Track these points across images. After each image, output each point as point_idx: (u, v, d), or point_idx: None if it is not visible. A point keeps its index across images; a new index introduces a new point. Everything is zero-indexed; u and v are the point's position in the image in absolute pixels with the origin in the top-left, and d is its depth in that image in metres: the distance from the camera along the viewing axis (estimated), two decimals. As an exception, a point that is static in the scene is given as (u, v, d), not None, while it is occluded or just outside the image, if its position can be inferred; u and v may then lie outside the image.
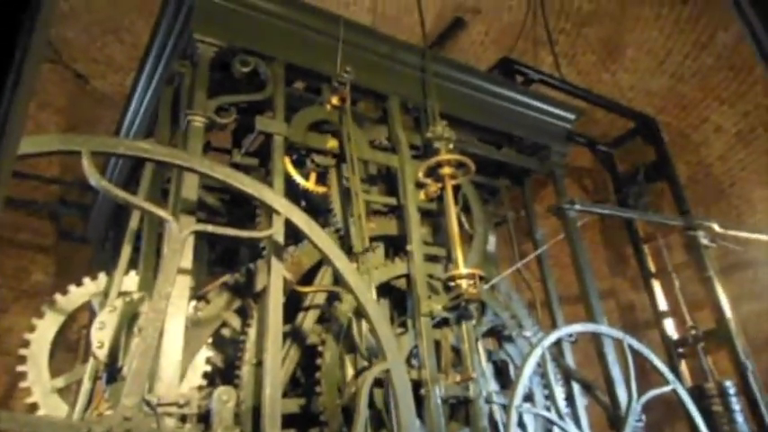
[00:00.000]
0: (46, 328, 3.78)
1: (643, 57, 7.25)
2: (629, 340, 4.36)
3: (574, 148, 6.93)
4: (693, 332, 6.73)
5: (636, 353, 4.34)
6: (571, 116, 5.94)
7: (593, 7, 7.01)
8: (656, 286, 7.44)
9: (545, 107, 5.78)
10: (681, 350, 6.91)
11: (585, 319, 5.02)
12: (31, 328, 3.80)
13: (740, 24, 1.33)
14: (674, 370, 6.32)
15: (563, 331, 4.40)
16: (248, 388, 3.19)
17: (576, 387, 4.76)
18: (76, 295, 3.90)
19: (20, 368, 3.73)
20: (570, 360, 4.89)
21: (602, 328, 4.68)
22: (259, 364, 3.14)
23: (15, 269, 7.17)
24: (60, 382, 3.71)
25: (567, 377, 4.76)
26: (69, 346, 4.05)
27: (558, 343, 4.62)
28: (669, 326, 7.14)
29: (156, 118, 4.45)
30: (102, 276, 3.93)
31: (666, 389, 4.33)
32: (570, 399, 4.66)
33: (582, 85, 7.27)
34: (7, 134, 0.91)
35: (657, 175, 7.54)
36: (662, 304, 7.30)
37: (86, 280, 3.94)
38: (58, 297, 3.86)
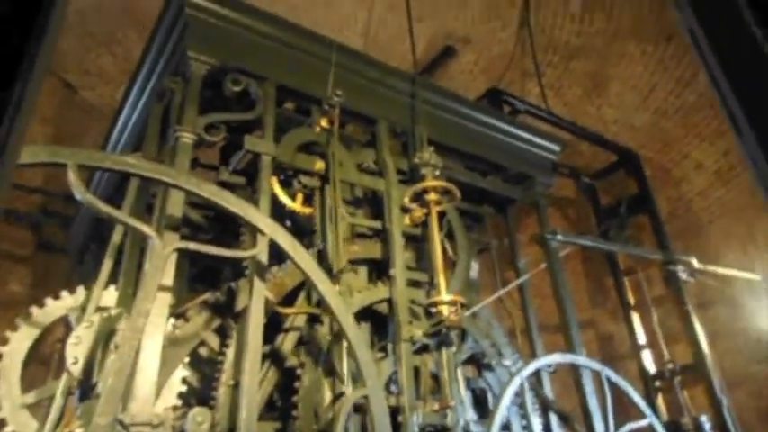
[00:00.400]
0: (20, 342, 3.70)
1: (627, 92, 7.41)
2: (608, 372, 4.39)
3: (558, 179, 7.02)
4: (670, 366, 6.76)
5: (613, 385, 4.37)
6: (556, 147, 6.04)
7: (580, 42, 7.18)
8: (635, 318, 7.50)
9: (531, 138, 5.87)
10: (658, 384, 6.94)
11: (565, 348, 5.04)
12: (4, 341, 3.71)
13: (704, 71, 1.37)
14: (651, 403, 6.34)
15: (542, 362, 4.41)
16: (224, 409, 3.15)
17: (553, 418, 4.75)
18: (53, 308, 3.82)
19: (-10, 382, 3.63)
20: (548, 390, 4.89)
21: (581, 359, 4.70)
22: (236, 386, 3.10)
23: (-10, 279, 7.03)
24: (31, 397, 3.61)
25: (545, 408, 4.75)
26: (43, 360, 3.95)
27: (536, 373, 4.62)
28: (647, 359, 7.17)
29: (144, 132, 4.45)
30: (81, 290, 3.87)
31: (643, 423, 4.35)
32: (547, 429, 4.64)
33: (567, 118, 7.40)
34: (8, 151, 0.92)
35: (639, 208, 7.66)
36: (640, 337, 7.35)
37: (64, 293, 3.87)
38: (34, 309, 3.79)
